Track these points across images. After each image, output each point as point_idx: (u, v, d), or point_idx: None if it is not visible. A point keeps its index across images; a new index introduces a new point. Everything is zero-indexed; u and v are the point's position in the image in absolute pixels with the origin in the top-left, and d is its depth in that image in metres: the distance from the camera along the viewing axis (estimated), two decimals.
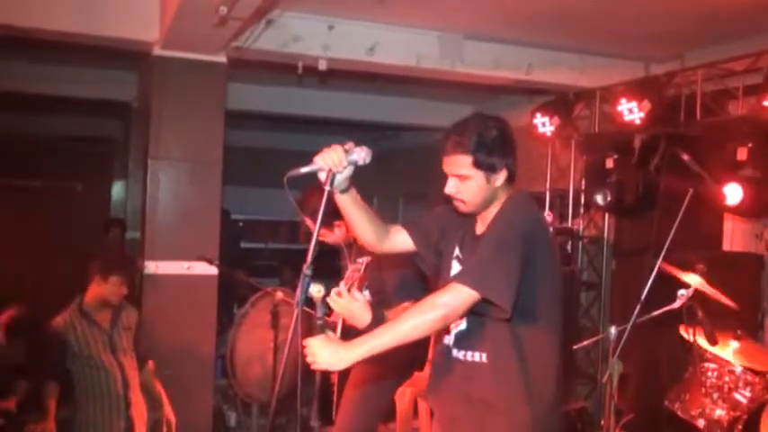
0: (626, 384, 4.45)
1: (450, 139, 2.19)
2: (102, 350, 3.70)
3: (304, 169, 2.12)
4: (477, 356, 2.23)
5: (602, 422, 3.32)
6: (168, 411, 3.90)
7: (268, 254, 10.24)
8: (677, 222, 3.21)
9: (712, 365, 3.43)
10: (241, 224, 10.19)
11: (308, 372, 2.05)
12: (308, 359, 2.03)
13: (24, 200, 8.06)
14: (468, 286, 2.03)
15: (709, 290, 3.27)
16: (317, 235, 2.08)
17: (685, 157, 3.97)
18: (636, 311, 3.16)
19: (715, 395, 3.38)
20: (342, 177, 2.17)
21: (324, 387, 2.19)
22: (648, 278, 3.21)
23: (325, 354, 2.02)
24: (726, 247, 4.90)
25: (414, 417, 4.61)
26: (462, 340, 2.28)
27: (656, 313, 3.20)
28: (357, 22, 4.82)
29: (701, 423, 3.39)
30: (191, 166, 4.83)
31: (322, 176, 2.13)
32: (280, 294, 4.08)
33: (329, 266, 3.21)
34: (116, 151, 8.59)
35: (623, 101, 4.76)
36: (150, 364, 3.99)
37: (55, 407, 3.61)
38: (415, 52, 4.98)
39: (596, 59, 5.45)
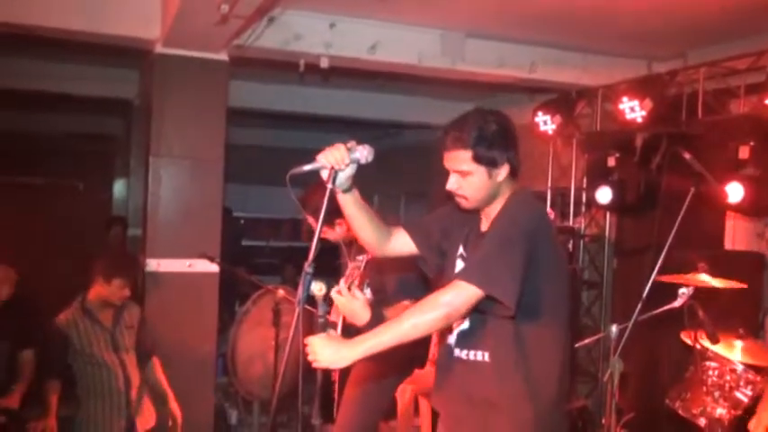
0: (627, 383, 4.45)
1: (450, 134, 2.17)
2: (104, 348, 3.71)
3: (307, 167, 2.12)
4: (480, 355, 2.22)
5: (603, 421, 3.31)
6: (174, 407, 3.90)
7: (269, 252, 10.26)
8: (678, 221, 3.20)
9: (713, 364, 3.42)
10: (242, 222, 10.20)
11: (309, 370, 2.05)
12: (310, 357, 2.03)
13: (26, 198, 8.07)
14: (472, 283, 2.01)
15: (715, 283, 3.27)
16: (320, 233, 2.09)
17: (687, 155, 3.96)
18: (637, 310, 3.16)
19: (716, 394, 3.37)
20: (344, 176, 2.17)
21: (325, 385, 2.19)
22: (649, 277, 3.21)
23: (327, 352, 2.02)
24: (727, 245, 4.89)
25: (414, 414, 4.62)
26: (464, 339, 2.27)
27: (657, 312, 3.19)
28: (359, 20, 4.82)
29: (702, 422, 3.38)
30: (192, 164, 4.83)
31: (324, 174, 2.13)
32: (281, 292, 4.08)
33: (329, 264, 3.22)
34: (118, 149, 8.60)
35: (625, 99, 4.76)
36: (155, 360, 3.99)
37: (56, 404, 3.62)
38: (417, 50, 4.98)
39: (599, 58, 5.45)
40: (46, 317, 3.84)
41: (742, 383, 3.33)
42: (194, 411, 4.62)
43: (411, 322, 2.02)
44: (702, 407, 3.40)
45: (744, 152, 4.16)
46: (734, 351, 3.43)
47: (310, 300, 2.08)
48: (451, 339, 2.31)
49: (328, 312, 2.18)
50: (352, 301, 2.40)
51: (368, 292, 3.13)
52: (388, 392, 3.49)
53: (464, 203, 2.25)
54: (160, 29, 4.51)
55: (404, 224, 2.49)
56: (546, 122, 5.68)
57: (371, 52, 4.86)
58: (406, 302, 2.95)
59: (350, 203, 2.29)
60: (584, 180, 5.83)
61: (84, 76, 6.52)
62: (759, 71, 4.27)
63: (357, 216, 2.33)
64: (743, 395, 3.32)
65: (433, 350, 4.05)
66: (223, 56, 4.83)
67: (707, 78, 4.54)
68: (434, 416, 2.91)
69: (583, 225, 5.99)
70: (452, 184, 2.22)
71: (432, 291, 2.13)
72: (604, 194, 5.10)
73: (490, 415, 2.19)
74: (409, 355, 3.24)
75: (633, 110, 4.70)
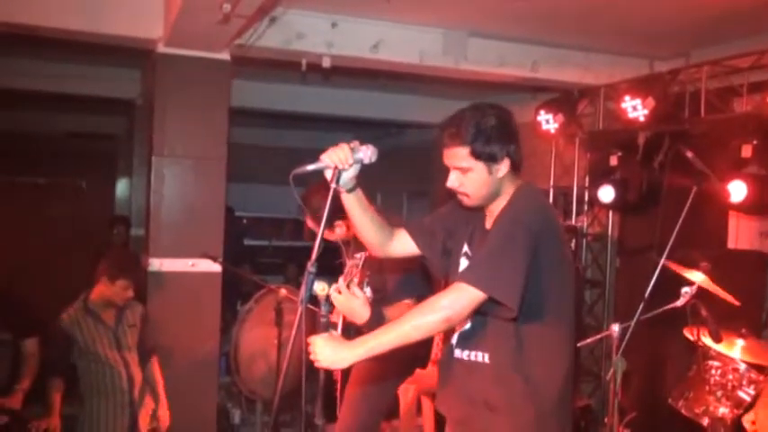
0: (630, 382, 4.45)
1: (447, 130, 2.14)
2: (107, 347, 3.72)
3: (310, 166, 2.12)
4: (480, 357, 2.20)
5: (606, 420, 3.32)
6: (163, 414, 3.89)
7: (272, 251, 10.25)
8: (681, 220, 3.21)
9: (716, 363, 3.42)
10: (245, 221, 10.21)
11: (311, 369, 2.06)
12: (311, 357, 2.03)
13: (29, 197, 8.08)
14: (473, 285, 1.99)
15: (712, 287, 3.26)
16: (322, 233, 2.08)
17: (689, 154, 3.96)
18: (639, 309, 3.16)
19: (719, 393, 3.37)
20: (348, 176, 2.17)
21: (327, 384, 2.19)
22: (652, 276, 3.21)
23: (328, 352, 2.02)
24: (731, 244, 4.88)
25: (417, 414, 4.62)
26: (465, 340, 2.25)
27: (659, 311, 3.19)
28: (361, 20, 4.81)
29: (705, 421, 3.38)
30: (195, 164, 4.84)
31: (328, 174, 2.13)
32: (283, 291, 4.08)
33: (330, 264, 3.22)
34: (120, 149, 8.60)
35: (627, 98, 4.75)
36: (154, 360, 4.00)
37: (60, 403, 3.63)
38: (418, 49, 4.97)
39: (601, 57, 5.44)
40: (49, 315, 3.85)
41: (744, 382, 3.32)
42: (197, 410, 4.64)
43: (411, 324, 2.00)
44: (705, 406, 3.39)
45: (746, 151, 4.15)
46: (736, 350, 3.43)
47: (313, 299, 2.08)
48: (453, 340, 2.30)
49: (331, 312, 2.17)
50: (351, 299, 2.40)
51: (368, 290, 3.12)
52: (389, 393, 3.48)
53: (466, 201, 2.22)
54: (162, 29, 4.51)
55: (406, 225, 2.46)
56: (548, 121, 5.68)
57: (373, 51, 4.85)
58: (406, 301, 2.95)
59: (353, 204, 2.27)
60: (587, 179, 5.82)
61: (87, 77, 6.53)
62: (762, 69, 4.26)
63: (360, 217, 2.32)
64: (745, 394, 3.32)
65: (436, 350, 4.06)
66: (225, 55, 4.83)
67: (709, 77, 4.53)
68: (437, 416, 2.91)
69: (585, 224, 5.99)
70: (453, 181, 2.19)
71: (434, 289, 2.12)
72: (607, 193, 5.09)
73: (491, 416, 2.17)
74: (411, 356, 3.24)
75: (635, 108, 4.69)
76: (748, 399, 3.31)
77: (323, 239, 2.09)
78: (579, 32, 4.98)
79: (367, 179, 2.27)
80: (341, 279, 2.41)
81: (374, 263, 3.05)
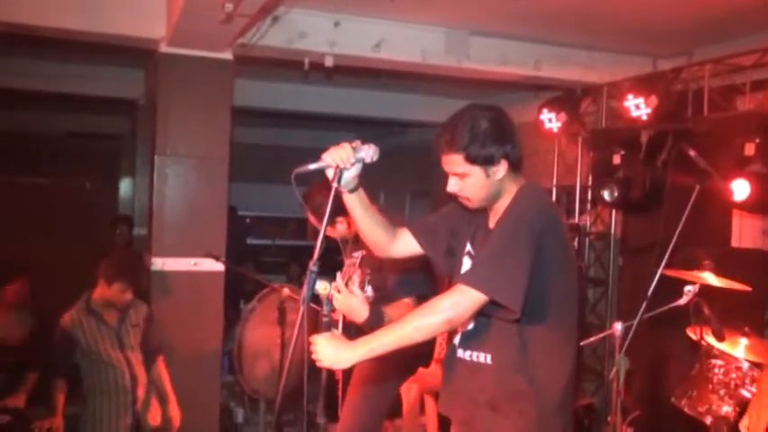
0: (632, 381, 4.44)
1: (442, 138, 2.12)
2: (109, 347, 3.72)
3: (312, 166, 2.12)
4: (482, 357, 2.19)
5: (609, 419, 3.32)
6: (173, 410, 3.91)
7: (275, 250, 10.26)
8: (684, 218, 3.20)
9: (719, 362, 3.41)
10: (248, 221, 10.22)
11: (313, 368, 2.06)
12: (313, 356, 2.03)
13: (33, 197, 8.09)
14: (475, 288, 1.98)
15: (719, 282, 3.26)
16: (324, 232, 2.09)
17: (692, 152, 3.96)
18: (642, 308, 3.15)
19: (722, 391, 3.36)
20: (350, 176, 2.17)
21: (329, 384, 2.19)
22: (655, 274, 3.20)
23: (330, 352, 2.02)
24: (734, 243, 4.87)
25: (420, 413, 4.62)
26: (468, 340, 2.24)
27: (662, 310, 3.19)
28: (363, 19, 4.82)
29: (707, 420, 3.37)
30: (198, 163, 4.84)
31: (330, 174, 2.13)
32: (286, 291, 4.08)
33: (332, 262, 3.22)
34: (123, 148, 8.62)
35: (630, 96, 4.74)
36: (160, 359, 4.01)
37: (63, 403, 3.64)
38: (421, 48, 4.97)
39: (603, 55, 5.43)
40: (52, 315, 3.86)
41: (747, 381, 3.31)
42: (200, 410, 4.64)
43: (413, 325, 2.00)
44: (708, 405, 3.39)
45: (749, 149, 4.14)
46: (739, 348, 3.42)
47: (315, 298, 2.08)
48: (456, 340, 2.29)
49: (332, 311, 2.17)
50: (349, 297, 2.40)
51: (368, 289, 3.11)
52: (391, 393, 3.47)
53: (468, 204, 2.22)
54: (165, 28, 4.52)
55: (408, 225, 2.46)
56: (551, 120, 5.68)
57: (376, 50, 4.85)
58: (406, 300, 2.95)
59: (355, 203, 2.27)
60: (590, 177, 5.81)
61: (91, 77, 6.55)
62: (765, 67, 4.26)
63: (362, 216, 2.31)
64: (748, 393, 3.31)
65: (439, 349, 4.05)
66: (228, 55, 4.83)
67: (712, 75, 4.52)
68: (440, 414, 2.90)
69: (588, 223, 5.98)
70: (452, 186, 2.18)
71: (438, 288, 2.12)
72: (610, 192, 5.09)
73: (494, 417, 2.16)
74: (413, 355, 3.22)
75: (638, 107, 4.68)
76: (751, 397, 3.31)
77: (324, 237, 2.09)
78: (582, 31, 4.97)
79: (369, 179, 2.27)
80: (338, 277, 2.41)
81: (374, 262, 3.05)
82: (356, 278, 3.15)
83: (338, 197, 2.18)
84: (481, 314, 2.09)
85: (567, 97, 5.69)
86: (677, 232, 3.18)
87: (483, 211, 2.27)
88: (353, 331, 2.20)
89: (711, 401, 3.38)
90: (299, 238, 9.98)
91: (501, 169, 2.13)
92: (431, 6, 4.61)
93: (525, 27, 4.94)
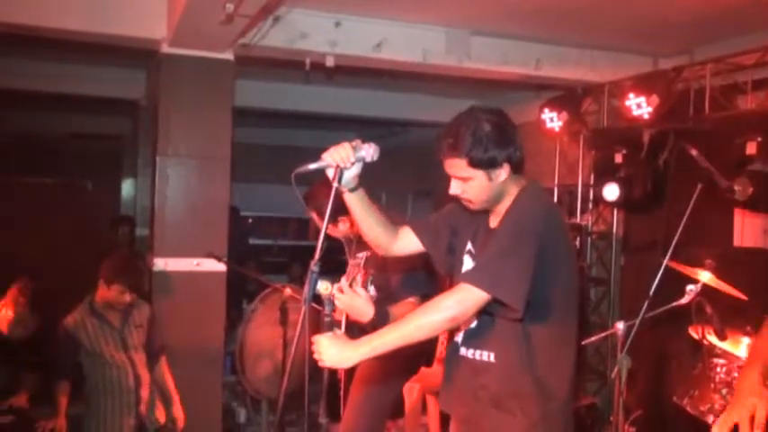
0: (635, 380, 4.44)
1: (444, 142, 2.12)
2: (113, 347, 3.73)
3: (312, 166, 2.12)
4: (486, 356, 2.20)
5: (612, 418, 3.32)
6: (178, 410, 3.92)
7: (277, 250, 10.27)
8: (686, 218, 3.20)
9: (721, 361, 3.40)
10: (250, 221, 10.23)
11: (315, 368, 2.06)
12: (315, 356, 2.03)
13: (35, 197, 8.11)
14: (478, 287, 1.99)
15: (718, 284, 3.25)
16: (325, 232, 2.09)
17: (694, 151, 3.95)
18: (644, 307, 3.15)
19: (724, 391, 3.35)
20: (350, 175, 2.17)
21: (332, 384, 2.19)
22: (657, 274, 3.20)
23: (332, 351, 2.02)
24: (736, 242, 4.87)
25: (422, 413, 4.62)
26: (471, 338, 2.25)
27: (664, 309, 3.19)
28: (364, 19, 4.82)
29: (710, 419, 3.37)
30: (199, 163, 4.85)
31: (330, 173, 2.13)
32: (288, 291, 4.08)
33: (335, 262, 3.22)
34: (125, 149, 8.63)
35: (632, 96, 4.74)
36: (163, 360, 4.01)
37: (66, 404, 3.65)
38: (422, 48, 4.97)
39: (605, 54, 5.43)
40: (55, 316, 3.87)
41: None
42: (202, 410, 4.64)
43: (415, 324, 2.01)
44: (710, 404, 3.38)
45: (751, 148, 4.14)
46: (741, 348, 3.42)
47: (317, 298, 2.08)
48: (458, 338, 2.30)
49: (334, 310, 2.18)
50: (354, 297, 2.40)
51: (372, 289, 3.12)
52: (393, 393, 3.47)
53: (470, 206, 2.23)
54: (166, 29, 4.52)
55: (410, 223, 2.47)
56: (552, 119, 5.67)
57: (377, 50, 4.86)
58: (410, 299, 2.95)
59: (356, 203, 2.28)
60: (592, 177, 5.81)
61: (92, 77, 6.55)
62: (766, 66, 4.25)
63: (363, 215, 2.32)
64: None
65: (441, 348, 4.06)
66: (229, 55, 4.84)
67: (714, 74, 4.52)
68: (443, 414, 2.90)
69: (590, 222, 5.98)
70: (455, 189, 2.19)
71: (440, 287, 2.12)
72: (611, 191, 5.08)
73: (497, 415, 2.17)
74: (415, 354, 3.24)
75: (640, 106, 4.68)
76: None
77: (326, 237, 2.09)
78: (583, 30, 4.97)
79: (371, 179, 2.27)
80: (343, 278, 2.41)
81: (378, 261, 3.05)
82: (359, 278, 3.15)
83: (339, 197, 2.18)
84: (484, 313, 2.10)
85: (568, 97, 5.69)
86: (679, 231, 3.17)
87: (484, 211, 2.28)
88: (356, 331, 2.20)
89: (713, 401, 3.37)
90: (300, 239, 9.98)
91: (503, 172, 2.14)
92: (431, 6, 4.61)
93: (526, 26, 4.94)
